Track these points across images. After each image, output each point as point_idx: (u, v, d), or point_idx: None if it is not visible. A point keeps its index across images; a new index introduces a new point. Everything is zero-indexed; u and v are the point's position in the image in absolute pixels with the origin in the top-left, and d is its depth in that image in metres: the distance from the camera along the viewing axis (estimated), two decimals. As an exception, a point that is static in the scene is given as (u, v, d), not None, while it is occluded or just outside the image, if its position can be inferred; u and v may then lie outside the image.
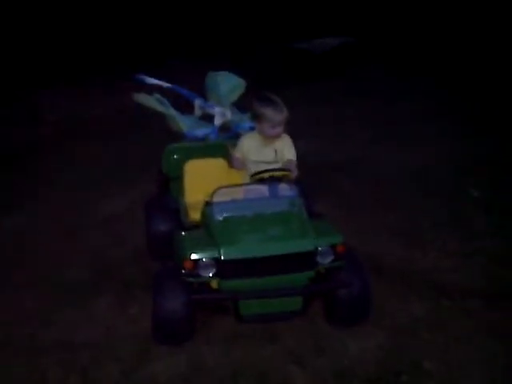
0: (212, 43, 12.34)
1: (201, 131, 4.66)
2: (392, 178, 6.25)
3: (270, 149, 4.18)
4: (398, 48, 11.71)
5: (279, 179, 3.89)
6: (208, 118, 4.88)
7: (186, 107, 4.95)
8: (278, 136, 4.13)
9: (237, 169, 4.28)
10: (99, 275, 4.62)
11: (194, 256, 3.51)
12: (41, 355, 3.75)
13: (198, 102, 4.87)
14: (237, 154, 4.27)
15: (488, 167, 6.42)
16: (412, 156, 6.79)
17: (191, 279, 3.56)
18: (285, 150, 4.18)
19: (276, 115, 4.02)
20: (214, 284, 3.62)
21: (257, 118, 4.11)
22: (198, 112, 4.89)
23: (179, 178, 4.55)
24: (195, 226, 3.95)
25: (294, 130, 4.33)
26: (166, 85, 4.94)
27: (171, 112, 4.68)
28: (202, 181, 4.32)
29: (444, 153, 6.88)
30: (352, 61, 10.55)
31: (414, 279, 4.48)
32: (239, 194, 3.93)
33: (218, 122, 4.70)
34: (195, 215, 4.14)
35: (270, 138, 4.16)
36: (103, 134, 7.90)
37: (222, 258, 3.50)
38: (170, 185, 4.72)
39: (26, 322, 4.09)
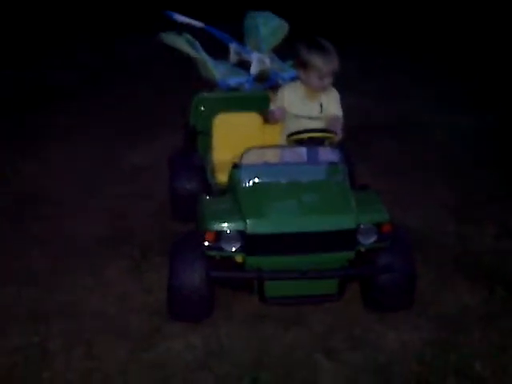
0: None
1: (235, 80, 4.15)
2: (443, 143, 5.79)
3: (314, 103, 3.67)
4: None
5: (321, 141, 3.38)
6: (244, 66, 4.34)
7: (219, 52, 4.37)
8: (324, 89, 3.64)
9: (274, 121, 3.72)
10: (116, 235, 4.25)
11: (216, 227, 3.06)
12: (41, 323, 3.36)
13: (233, 47, 4.32)
14: (276, 105, 3.74)
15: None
16: (466, 119, 6.29)
17: (213, 253, 3.11)
18: (330, 106, 3.68)
19: (325, 64, 3.51)
20: (239, 259, 3.15)
21: (302, 66, 3.59)
22: (233, 58, 4.36)
23: (207, 133, 4.04)
24: (222, 191, 3.49)
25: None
26: (198, 24, 4.33)
27: (202, 56, 4.14)
28: (233, 138, 3.85)
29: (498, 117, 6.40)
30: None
31: (466, 262, 3.95)
32: (273, 156, 3.47)
33: (254, 70, 4.14)
34: (223, 177, 3.64)
35: (315, 91, 3.65)
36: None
37: (248, 231, 3.03)
38: (197, 140, 4.23)
39: (30, 282, 3.71)
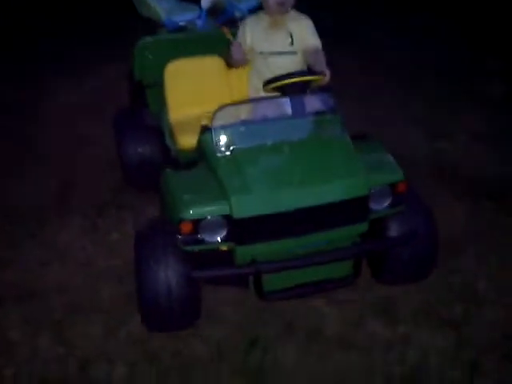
0: None
1: (184, 17, 3.57)
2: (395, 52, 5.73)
3: (282, 33, 3.10)
4: None
5: (306, 86, 2.73)
6: None
7: None
8: (285, 10, 3.05)
9: (236, 63, 3.15)
10: (62, 192, 3.82)
11: (193, 214, 2.42)
12: None
13: None
14: (237, 42, 3.18)
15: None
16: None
17: (191, 247, 2.49)
18: (304, 35, 3.10)
19: None
20: (225, 247, 2.54)
21: None
22: None
23: (158, 86, 3.41)
24: (189, 160, 2.80)
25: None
26: None
27: None
28: (191, 89, 3.29)
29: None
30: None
31: (447, 173, 3.86)
32: (247, 111, 2.85)
33: (206, 2, 3.52)
34: (186, 140, 3.07)
35: (279, 18, 3.08)
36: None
37: (235, 215, 2.41)
38: (145, 95, 3.58)
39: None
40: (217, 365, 2.63)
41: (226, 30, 3.35)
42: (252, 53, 3.13)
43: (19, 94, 5.09)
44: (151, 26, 3.72)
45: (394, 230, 2.72)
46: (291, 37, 3.08)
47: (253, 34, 3.12)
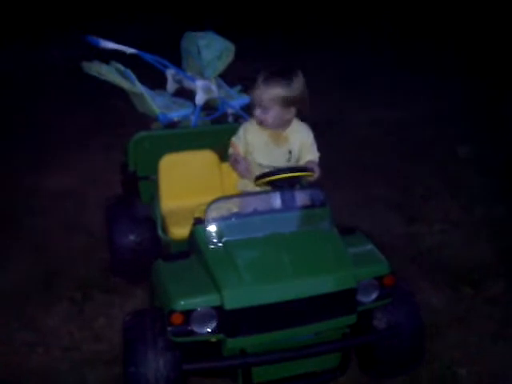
0: None
1: (178, 113, 3.60)
2: (371, 141, 5.74)
3: (282, 149, 3.04)
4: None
5: (296, 181, 2.78)
6: (184, 95, 3.84)
7: (152, 80, 3.80)
8: (268, 123, 2.97)
9: (238, 172, 3.06)
10: (48, 276, 3.81)
11: (184, 305, 2.39)
12: None
13: (171, 74, 3.76)
14: (236, 150, 3.06)
15: (469, 119, 6.11)
16: (387, 114, 6.32)
17: (181, 339, 2.44)
18: (303, 152, 3.05)
19: (263, 91, 2.87)
20: (215, 339, 2.50)
21: None
22: (170, 87, 3.81)
23: (151, 178, 3.45)
24: (182, 254, 2.75)
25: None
26: (129, 50, 3.56)
27: (138, 87, 3.54)
28: (185, 182, 3.32)
29: (421, 107, 6.49)
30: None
31: (424, 260, 3.91)
32: (238, 206, 2.84)
33: (200, 100, 3.58)
34: (178, 231, 3.08)
35: (280, 132, 3.03)
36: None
37: (226, 306, 2.37)
38: (138, 186, 3.57)
39: None
40: None
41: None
42: (248, 157, 3.06)
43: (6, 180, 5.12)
44: (136, 118, 3.79)
45: (382, 322, 2.72)
46: (290, 153, 3.05)
47: (253, 144, 3.05)
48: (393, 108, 6.52)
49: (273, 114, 2.94)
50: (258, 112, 2.96)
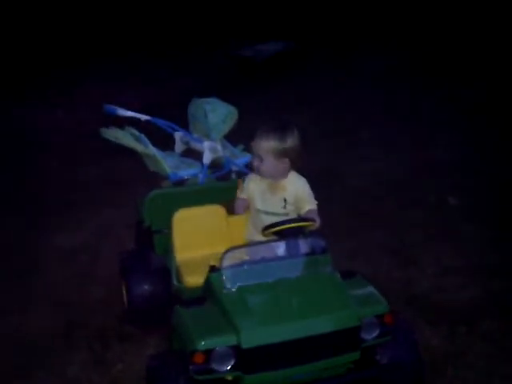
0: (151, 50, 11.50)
1: (187, 172, 3.89)
2: (365, 190, 5.89)
3: (277, 197, 3.30)
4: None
5: (299, 231, 3.02)
6: (190, 155, 4.13)
7: (159, 142, 4.08)
8: (264, 173, 3.28)
9: (238, 213, 3.45)
10: (67, 327, 3.98)
11: (205, 345, 2.56)
12: None
13: (178, 136, 4.04)
14: (242, 195, 3.45)
15: (460, 172, 6.24)
16: (379, 164, 6.48)
17: (202, 376, 2.61)
18: (300, 201, 3.30)
19: (259, 143, 3.21)
20: (229, 377, 2.69)
21: None
22: (178, 147, 4.08)
23: (165, 231, 3.68)
24: (198, 300, 2.96)
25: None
26: (143, 117, 3.92)
27: (151, 150, 3.82)
28: (196, 234, 3.53)
29: (412, 159, 6.61)
30: (295, 66, 10.10)
31: (419, 301, 4.04)
32: (247, 254, 3.06)
33: (207, 159, 3.84)
34: (192, 279, 3.28)
35: (277, 182, 3.30)
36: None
37: (244, 345, 2.56)
38: (153, 239, 3.79)
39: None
40: None
41: (240, 184, 3.62)
42: (251, 207, 3.37)
43: (18, 236, 5.29)
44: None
45: (384, 357, 2.91)
46: (285, 201, 3.29)
47: (254, 192, 3.36)
48: (386, 159, 6.67)
49: (267, 163, 3.23)
50: (255, 161, 3.28)
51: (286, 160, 3.24)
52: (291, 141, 3.22)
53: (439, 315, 3.90)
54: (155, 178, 4.09)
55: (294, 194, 3.31)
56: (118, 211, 5.47)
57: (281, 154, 3.21)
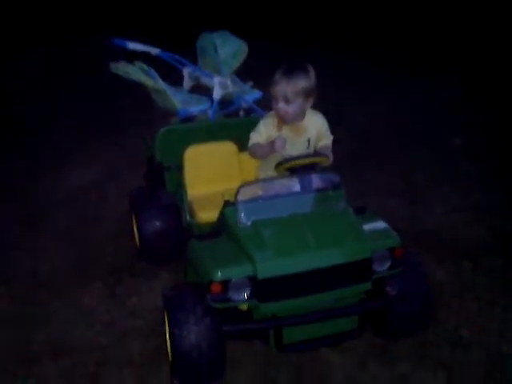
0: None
1: (197, 108, 3.83)
2: (371, 130, 5.90)
3: (302, 139, 3.19)
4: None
5: (313, 167, 2.99)
6: (199, 91, 4.08)
7: (175, 78, 4.06)
8: (290, 116, 3.11)
9: (271, 154, 3.16)
10: (80, 262, 4.08)
11: (222, 276, 2.62)
12: (32, 365, 3.17)
13: (187, 71, 3.97)
14: (257, 140, 3.21)
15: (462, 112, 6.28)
16: (382, 105, 6.47)
17: (219, 304, 2.68)
18: (320, 136, 3.22)
19: (286, 85, 3.01)
20: (244, 306, 2.78)
21: None
22: (187, 83, 4.02)
23: (174, 168, 3.69)
24: (213, 234, 3.00)
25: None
26: (154, 50, 3.79)
27: (161, 85, 3.75)
28: (207, 171, 3.55)
29: (415, 99, 6.63)
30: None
31: (425, 239, 4.12)
32: (259, 190, 3.03)
33: (218, 95, 3.79)
34: (203, 213, 3.33)
35: (298, 125, 3.17)
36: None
37: (259, 276, 2.62)
38: (164, 176, 3.78)
39: (4, 325, 3.48)
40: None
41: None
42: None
43: (26, 178, 5.40)
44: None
45: (393, 289, 2.99)
46: (309, 142, 3.21)
47: (274, 137, 3.13)
48: (391, 99, 6.69)
49: (295, 106, 3.07)
50: (280, 105, 3.06)
51: (311, 99, 3.13)
52: (314, 77, 3.10)
53: (445, 252, 4.00)
54: (156, 118, 4.18)
55: (316, 132, 3.23)
56: (121, 152, 5.55)
57: (310, 92, 3.08)
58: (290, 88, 3.03)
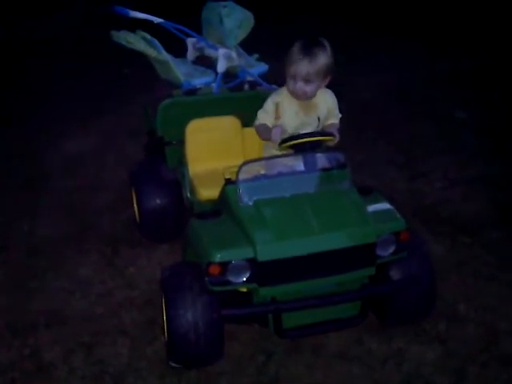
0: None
1: (201, 80, 3.71)
2: (373, 102, 5.88)
3: (313, 117, 3.05)
4: None
5: (318, 145, 2.85)
6: (202, 62, 3.98)
7: (178, 50, 3.94)
8: (307, 96, 2.97)
9: (275, 140, 2.97)
10: (78, 232, 4.03)
11: (221, 257, 2.52)
12: (27, 334, 3.16)
13: (191, 42, 3.84)
14: (264, 120, 3.05)
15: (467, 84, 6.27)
16: (385, 76, 6.47)
17: (218, 287, 2.59)
18: (330, 114, 3.11)
19: (308, 63, 2.85)
20: (244, 289, 2.68)
21: None
22: (191, 55, 3.89)
23: (176, 143, 3.57)
24: (214, 212, 2.86)
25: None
26: (156, 20, 3.63)
27: (164, 55, 3.61)
28: (210, 146, 3.41)
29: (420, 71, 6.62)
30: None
31: (424, 213, 4.10)
32: (264, 168, 2.91)
33: (222, 67, 3.65)
34: (206, 192, 3.20)
35: (310, 102, 3.02)
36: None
37: (259, 258, 2.51)
38: (165, 151, 3.65)
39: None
40: (239, 378, 2.84)
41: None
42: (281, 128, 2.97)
43: (25, 145, 5.40)
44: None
45: (397, 274, 2.87)
46: (319, 120, 3.08)
47: (286, 115, 3.04)
48: (392, 71, 6.68)
49: (314, 85, 2.92)
50: (299, 85, 2.91)
51: (330, 76, 2.98)
52: (331, 52, 2.92)
53: (443, 226, 3.99)
54: (154, 87, 4.11)
55: (326, 109, 3.08)
56: (122, 120, 5.50)
57: (329, 70, 2.93)
58: (312, 68, 2.86)
